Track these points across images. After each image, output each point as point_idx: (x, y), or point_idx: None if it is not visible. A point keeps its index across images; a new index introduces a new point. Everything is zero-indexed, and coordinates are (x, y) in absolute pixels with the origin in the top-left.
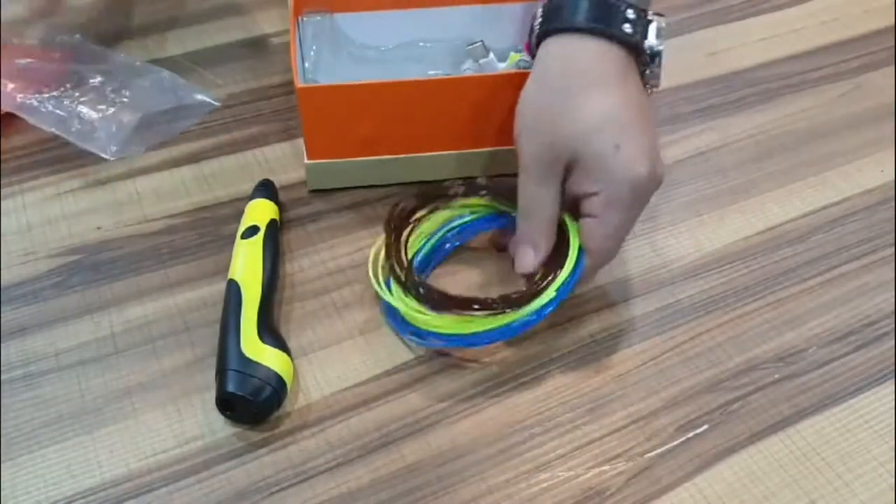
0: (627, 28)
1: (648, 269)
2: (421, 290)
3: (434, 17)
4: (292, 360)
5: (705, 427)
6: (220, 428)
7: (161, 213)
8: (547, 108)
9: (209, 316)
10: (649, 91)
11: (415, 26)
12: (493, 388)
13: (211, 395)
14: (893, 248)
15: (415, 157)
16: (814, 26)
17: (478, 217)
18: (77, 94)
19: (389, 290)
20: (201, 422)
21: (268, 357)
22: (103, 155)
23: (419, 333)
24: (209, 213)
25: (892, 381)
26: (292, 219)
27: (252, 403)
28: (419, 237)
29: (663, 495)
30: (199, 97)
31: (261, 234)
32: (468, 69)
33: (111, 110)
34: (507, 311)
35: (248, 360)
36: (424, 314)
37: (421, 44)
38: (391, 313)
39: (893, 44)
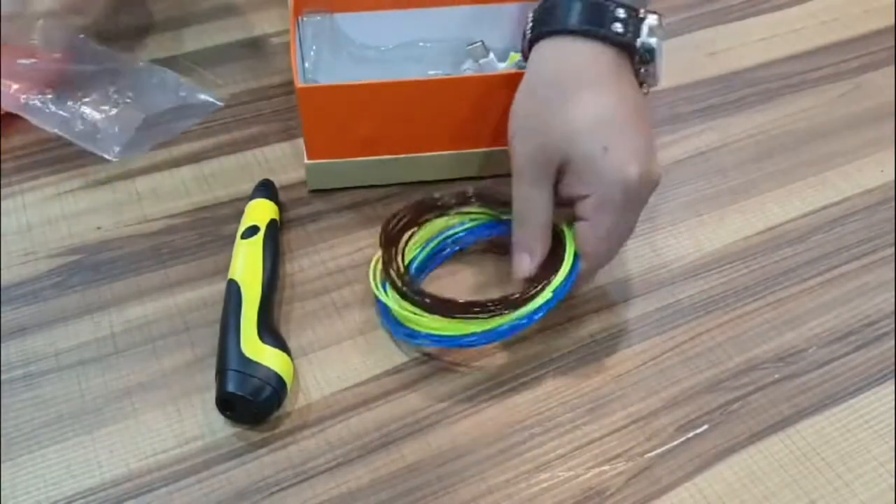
0: (618, 28)
1: (648, 269)
2: (417, 298)
3: (434, 17)
4: (292, 360)
5: (705, 427)
6: (220, 428)
7: (161, 213)
8: (538, 111)
9: (209, 316)
10: (646, 90)
11: (415, 26)
12: (493, 388)
13: (211, 395)
14: (893, 248)
15: (415, 157)
16: (814, 26)
17: (477, 224)
18: (80, 94)
19: (385, 291)
20: (201, 422)
21: (268, 357)
22: (106, 156)
23: (412, 334)
24: (209, 213)
25: (892, 381)
26: (292, 219)
27: (252, 403)
28: (417, 243)
29: (663, 495)
30: (203, 97)
31: (261, 234)
32: (468, 69)
33: (114, 111)
34: (503, 313)
35: (248, 360)
36: (418, 315)
37: (421, 44)
38: (385, 313)
39: (893, 44)
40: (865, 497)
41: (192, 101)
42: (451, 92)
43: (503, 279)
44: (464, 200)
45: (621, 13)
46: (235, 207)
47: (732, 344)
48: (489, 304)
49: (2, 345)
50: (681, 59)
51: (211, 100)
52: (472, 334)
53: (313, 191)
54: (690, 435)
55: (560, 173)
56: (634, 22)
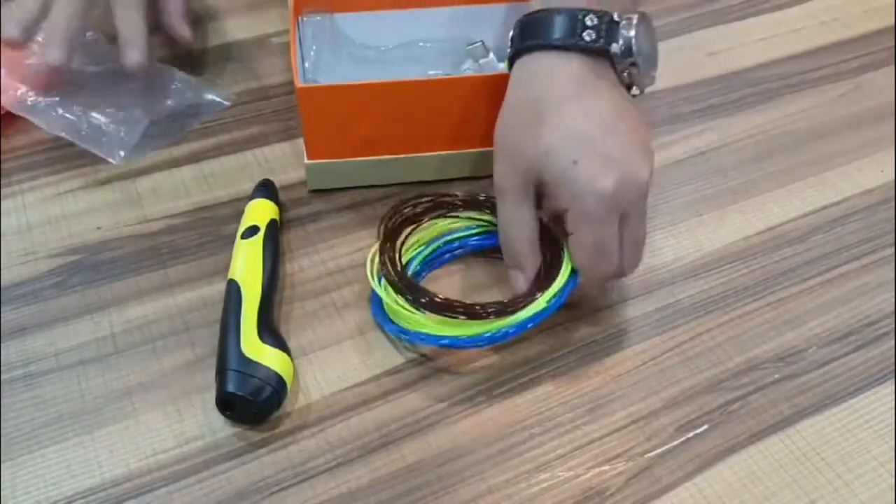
0: (589, 35)
1: (648, 269)
2: (410, 295)
3: (434, 17)
4: (292, 360)
5: (705, 427)
6: (220, 428)
7: (161, 213)
8: (515, 132)
9: (209, 316)
10: (637, 92)
11: (415, 26)
12: (493, 388)
13: (211, 395)
14: (893, 248)
15: (415, 157)
16: (814, 26)
17: (482, 231)
18: (86, 95)
19: (380, 283)
20: (201, 422)
21: (268, 357)
22: (111, 160)
23: (403, 331)
24: (209, 213)
25: (892, 381)
26: (292, 219)
27: (252, 403)
28: (417, 244)
29: (663, 495)
30: (209, 96)
31: (261, 234)
32: (468, 69)
33: (121, 114)
34: (491, 317)
35: (248, 360)
36: (409, 311)
37: (421, 44)
38: (377, 305)
39: (893, 44)
40: (865, 497)
41: (198, 100)
42: (451, 92)
43: (501, 279)
44: (476, 205)
45: (592, 20)
46: (235, 207)
47: (732, 344)
48: (480, 307)
49: (2, 345)
50: (681, 59)
51: (217, 99)
52: (462, 337)
53: (313, 191)
54: (690, 435)
55: (541, 191)
56: (607, 27)
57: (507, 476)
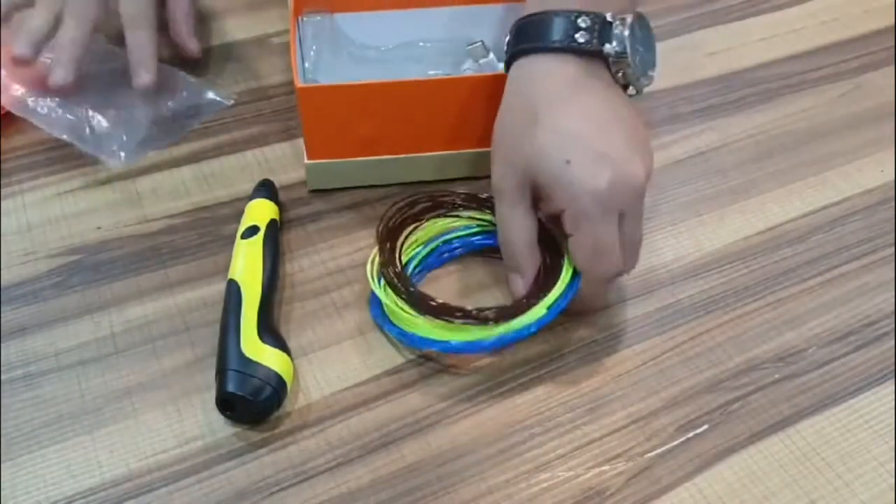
0: (581, 37)
1: (648, 269)
2: (407, 296)
3: (434, 17)
4: (292, 360)
5: (705, 427)
6: (220, 428)
7: (161, 213)
8: (510, 134)
9: (209, 316)
10: (634, 91)
11: (415, 26)
12: (493, 388)
13: (211, 395)
14: (893, 248)
15: (415, 157)
16: (814, 26)
17: (482, 231)
18: (87, 96)
19: (380, 284)
20: (201, 422)
21: (268, 357)
22: (112, 162)
23: (402, 332)
24: (209, 213)
25: (892, 381)
26: (292, 219)
27: (252, 403)
28: (416, 243)
29: (663, 495)
30: (210, 96)
31: (261, 234)
32: (468, 69)
33: (122, 114)
34: (490, 323)
35: (248, 360)
36: (408, 313)
37: (421, 44)
38: (377, 306)
39: (893, 44)
40: (865, 497)
41: (198, 100)
42: (451, 92)
43: (502, 281)
44: (476, 204)
45: (585, 22)
46: (235, 207)
47: (732, 344)
48: (478, 312)
49: (2, 345)
50: (680, 59)
51: (218, 99)
52: (462, 342)
53: (313, 191)
54: (690, 435)
55: (538, 193)
56: (600, 28)
57: (507, 476)
